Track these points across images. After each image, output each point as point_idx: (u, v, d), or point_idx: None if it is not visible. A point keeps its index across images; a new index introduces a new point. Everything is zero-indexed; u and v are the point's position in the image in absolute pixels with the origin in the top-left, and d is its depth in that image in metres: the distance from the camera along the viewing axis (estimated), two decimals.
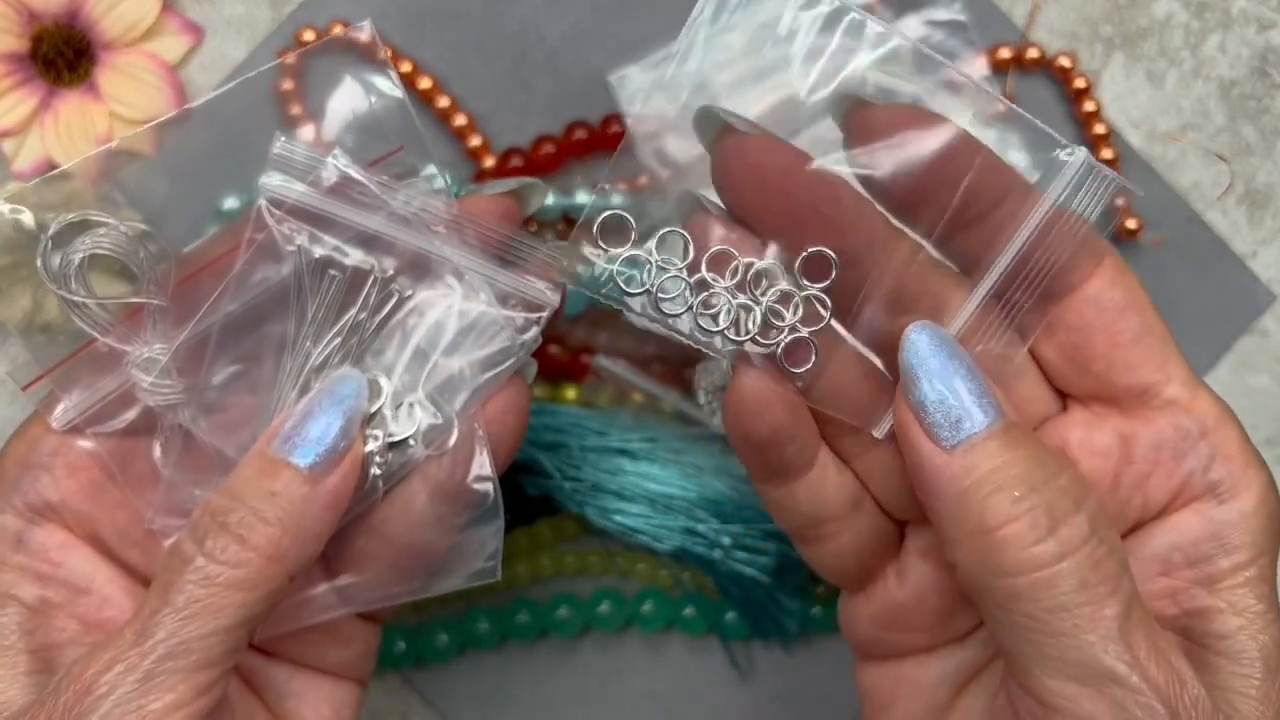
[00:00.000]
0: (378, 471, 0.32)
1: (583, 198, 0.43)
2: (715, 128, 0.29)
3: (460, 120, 0.43)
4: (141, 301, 0.31)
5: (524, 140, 0.43)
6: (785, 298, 0.29)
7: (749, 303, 0.29)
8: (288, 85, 0.42)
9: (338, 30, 0.43)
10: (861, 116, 0.30)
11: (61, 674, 0.28)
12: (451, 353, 0.33)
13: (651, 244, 0.29)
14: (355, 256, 0.32)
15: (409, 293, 0.33)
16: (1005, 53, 0.43)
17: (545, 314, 0.33)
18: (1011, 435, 0.27)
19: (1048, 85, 0.44)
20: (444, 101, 0.43)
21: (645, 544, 0.43)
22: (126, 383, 0.32)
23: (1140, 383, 0.30)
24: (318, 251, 0.32)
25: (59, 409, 0.32)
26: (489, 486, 0.32)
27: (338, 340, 0.32)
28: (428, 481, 0.32)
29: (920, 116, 0.29)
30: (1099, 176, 0.30)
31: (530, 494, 0.43)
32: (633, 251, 0.29)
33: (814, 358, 0.29)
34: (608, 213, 0.29)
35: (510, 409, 0.33)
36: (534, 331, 0.33)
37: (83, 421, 0.32)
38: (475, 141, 0.43)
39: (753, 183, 0.29)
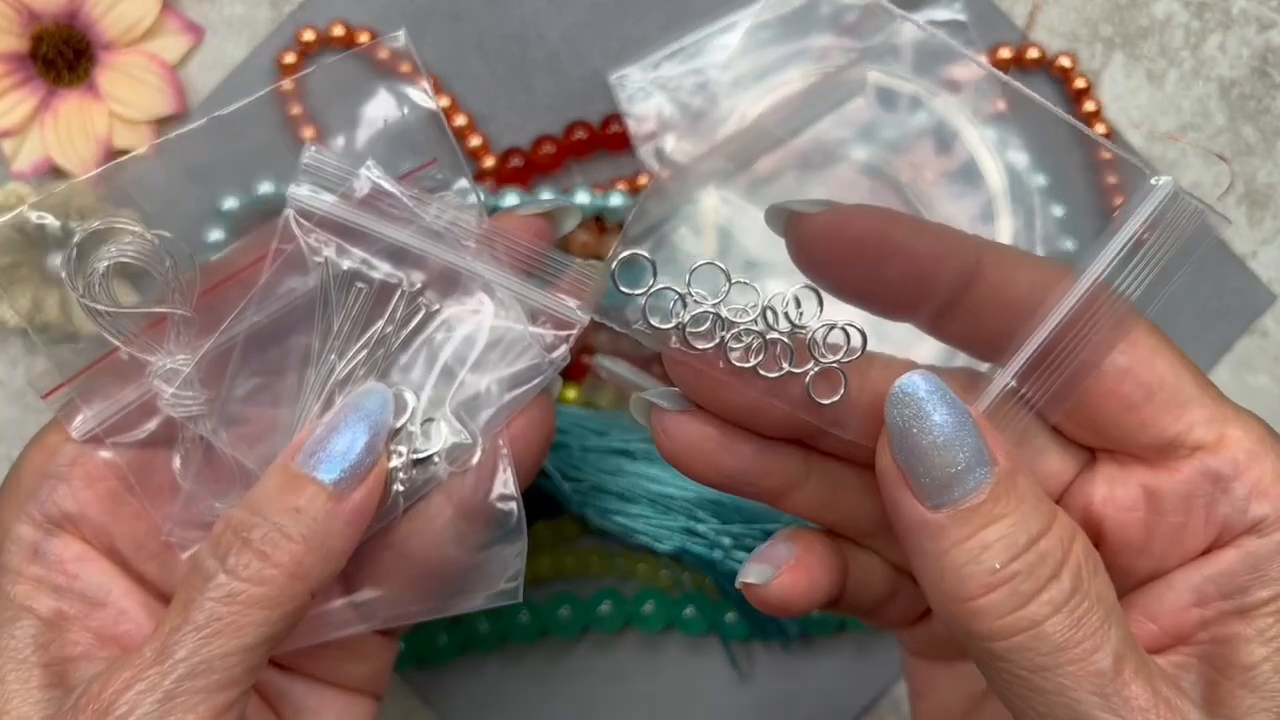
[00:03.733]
0: (401, 488, 0.31)
1: (583, 197, 0.43)
2: (783, 219, 0.28)
3: (460, 120, 0.43)
4: (166, 311, 0.31)
5: (524, 140, 0.43)
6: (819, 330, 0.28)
7: (778, 336, 0.27)
8: (288, 87, 0.42)
9: (307, 35, 0.43)
10: (796, 232, 0.28)
11: (79, 692, 0.27)
12: (478, 369, 0.32)
13: (688, 277, 0.28)
14: (383, 270, 0.32)
15: (436, 307, 0.32)
16: (1005, 53, 0.43)
17: (574, 332, 0.32)
18: (997, 498, 0.26)
19: (1048, 85, 0.44)
20: (444, 101, 0.43)
21: (645, 544, 0.43)
22: (147, 393, 0.31)
23: (1160, 439, 0.28)
24: (345, 264, 0.32)
25: (78, 419, 0.31)
26: (513, 506, 0.32)
27: (363, 354, 0.32)
28: (450, 499, 0.32)
29: (857, 216, 0.27)
30: (1181, 206, 0.27)
31: (530, 494, 0.43)
32: (666, 286, 0.28)
33: (843, 389, 0.28)
34: (626, 254, 0.28)
35: (535, 427, 0.33)
36: (563, 350, 0.32)
37: (102, 431, 0.31)
38: (475, 141, 0.43)
39: (828, 263, 0.28)
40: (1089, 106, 0.44)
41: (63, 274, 0.30)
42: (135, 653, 0.27)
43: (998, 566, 0.25)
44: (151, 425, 0.32)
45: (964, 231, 0.28)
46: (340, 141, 0.35)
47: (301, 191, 0.32)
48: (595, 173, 0.44)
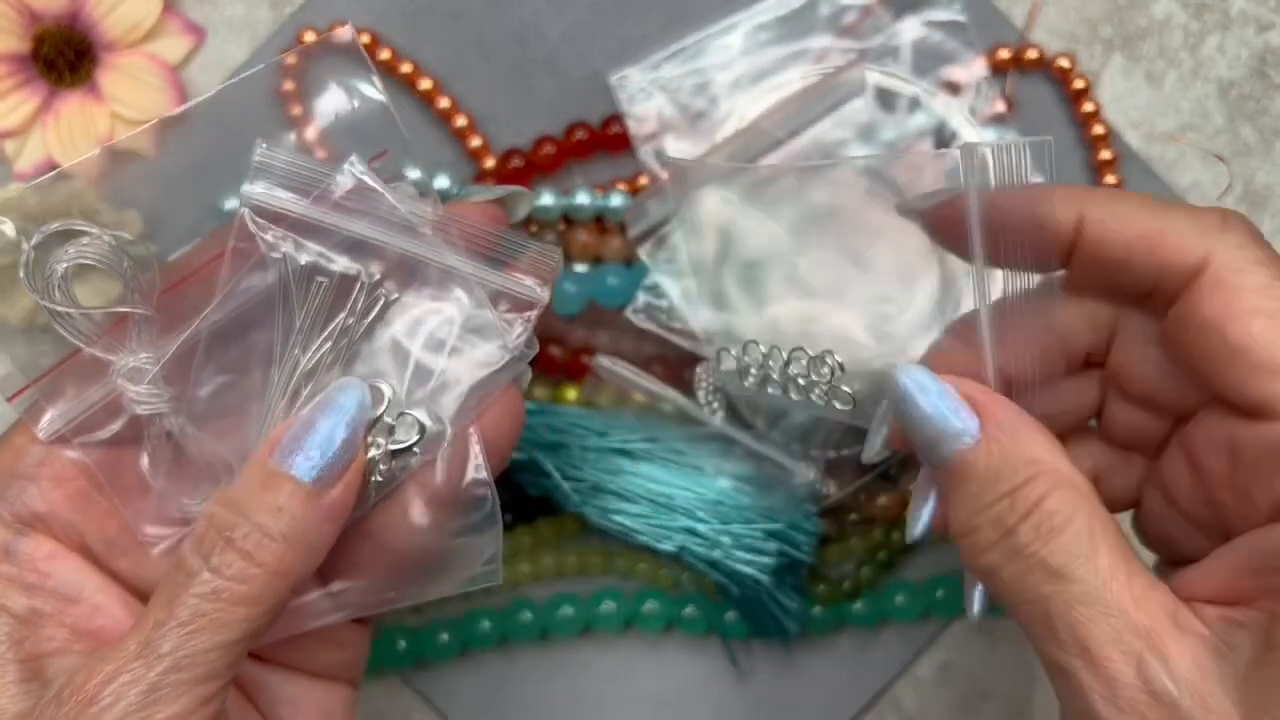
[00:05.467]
0: (379, 479, 0.32)
1: (583, 198, 0.43)
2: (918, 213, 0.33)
3: (461, 121, 0.43)
4: (126, 311, 0.31)
5: (524, 140, 0.44)
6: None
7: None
8: (289, 86, 0.42)
9: (308, 36, 0.43)
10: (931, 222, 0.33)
11: (60, 684, 0.28)
12: (444, 356, 0.32)
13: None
14: (341, 262, 0.32)
15: (395, 296, 0.32)
16: (1005, 53, 0.44)
17: (535, 312, 0.33)
18: (968, 463, 0.30)
19: (1047, 86, 0.44)
20: (445, 102, 0.43)
21: (645, 544, 0.43)
22: (113, 392, 0.32)
23: (1247, 398, 0.29)
24: (303, 259, 0.32)
25: (45, 419, 0.32)
26: (486, 491, 0.32)
27: (327, 345, 0.32)
28: (423, 488, 0.32)
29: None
30: (1008, 150, 0.31)
31: (531, 494, 0.43)
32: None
33: (853, 402, 0.36)
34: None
35: (506, 416, 0.33)
36: (526, 330, 0.33)
37: (69, 431, 0.32)
38: (475, 142, 0.43)
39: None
40: (1088, 107, 0.44)
41: (20, 275, 0.30)
42: (117, 646, 0.28)
43: (964, 517, 0.29)
44: (117, 425, 0.32)
45: (1070, 188, 0.32)
46: (291, 137, 0.35)
47: (256, 189, 0.32)
48: (595, 173, 0.44)
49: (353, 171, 0.32)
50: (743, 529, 0.42)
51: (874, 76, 0.42)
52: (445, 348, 0.33)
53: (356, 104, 0.34)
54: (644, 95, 0.43)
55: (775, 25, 0.43)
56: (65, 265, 0.31)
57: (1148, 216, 0.30)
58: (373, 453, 0.31)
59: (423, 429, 0.32)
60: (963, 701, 0.45)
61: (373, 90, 0.34)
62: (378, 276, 0.32)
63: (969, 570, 0.31)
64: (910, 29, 0.43)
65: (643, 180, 0.43)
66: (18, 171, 0.43)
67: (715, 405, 0.42)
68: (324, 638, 0.34)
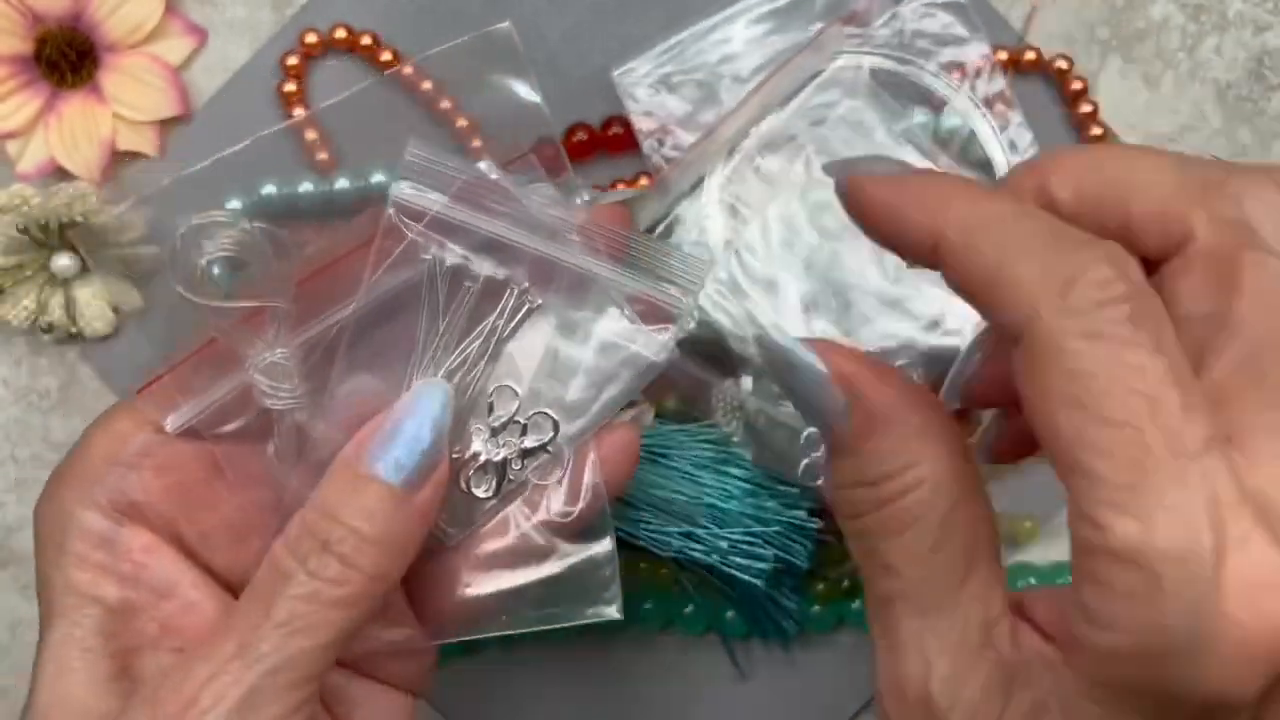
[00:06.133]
0: (511, 480, 0.32)
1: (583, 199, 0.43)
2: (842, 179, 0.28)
3: (461, 122, 0.43)
4: (266, 305, 0.31)
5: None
6: None
7: None
8: (290, 87, 0.42)
9: (310, 38, 0.43)
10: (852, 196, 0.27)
11: (155, 685, 0.28)
12: (580, 364, 0.33)
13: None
14: (486, 265, 0.32)
15: (538, 302, 0.33)
16: (1003, 55, 0.44)
17: (676, 326, 0.32)
18: (854, 437, 0.26)
19: (1045, 87, 0.44)
20: (445, 104, 0.43)
21: (644, 548, 0.43)
22: (243, 385, 0.32)
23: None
24: (449, 260, 0.32)
25: (175, 412, 0.31)
26: (599, 519, 0.32)
27: (475, 345, 0.32)
28: (535, 508, 0.33)
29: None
30: None
31: None
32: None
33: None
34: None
35: (622, 452, 0.33)
36: (668, 341, 0.32)
37: (199, 424, 0.32)
38: (477, 143, 0.43)
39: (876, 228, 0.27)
40: (1085, 108, 0.44)
41: (167, 269, 0.30)
42: (211, 646, 0.28)
43: (834, 485, 0.26)
44: (246, 418, 0.32)
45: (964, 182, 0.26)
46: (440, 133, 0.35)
47: (404, 188, 0.32)
48: (596, 174, 0.44)
49: (487, 174, 0.32)
50: (742, 534, 0.42)
51: (875, 61, 0.43)
52: (578, 361, 0.33)
53: (512, 102, 0.34)
54: (646, 89, 0.43)
55: (774, 16, 0.43)
56: (209, 258, 0.30)
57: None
58: (504, 452, 0.32)
59: (556, 426, 0.32)
60: None
61: (528, 91, 0.35)
62: (526, 285, 0.32)
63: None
64: (910, 10, 0.43)
65: (643, 181, 0.43)
66: (20, 172, 0.43)
67: (734, 424, 0.43)
68: (400, 647, 0.34)
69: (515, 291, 0.32)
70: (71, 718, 0.29)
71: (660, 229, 0.42)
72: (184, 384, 0.31)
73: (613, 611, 0.33)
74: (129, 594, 0.30)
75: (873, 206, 0.26)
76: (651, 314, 0.32)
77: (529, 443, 0.32)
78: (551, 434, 0.32)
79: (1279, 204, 0.23)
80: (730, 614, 0.43)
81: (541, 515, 0.32)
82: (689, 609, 0.44)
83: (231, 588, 0.32)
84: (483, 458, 0.32)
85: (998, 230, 0.24)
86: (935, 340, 0.41)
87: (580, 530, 0.33)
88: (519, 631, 0.33)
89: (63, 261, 0.42)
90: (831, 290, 0.42)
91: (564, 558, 0.33)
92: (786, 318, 0.41)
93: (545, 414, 0.32)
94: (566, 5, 0.44)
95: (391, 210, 0.32)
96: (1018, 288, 0.23)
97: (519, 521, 0.33)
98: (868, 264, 0.42)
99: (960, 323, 0.41)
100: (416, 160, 0.32)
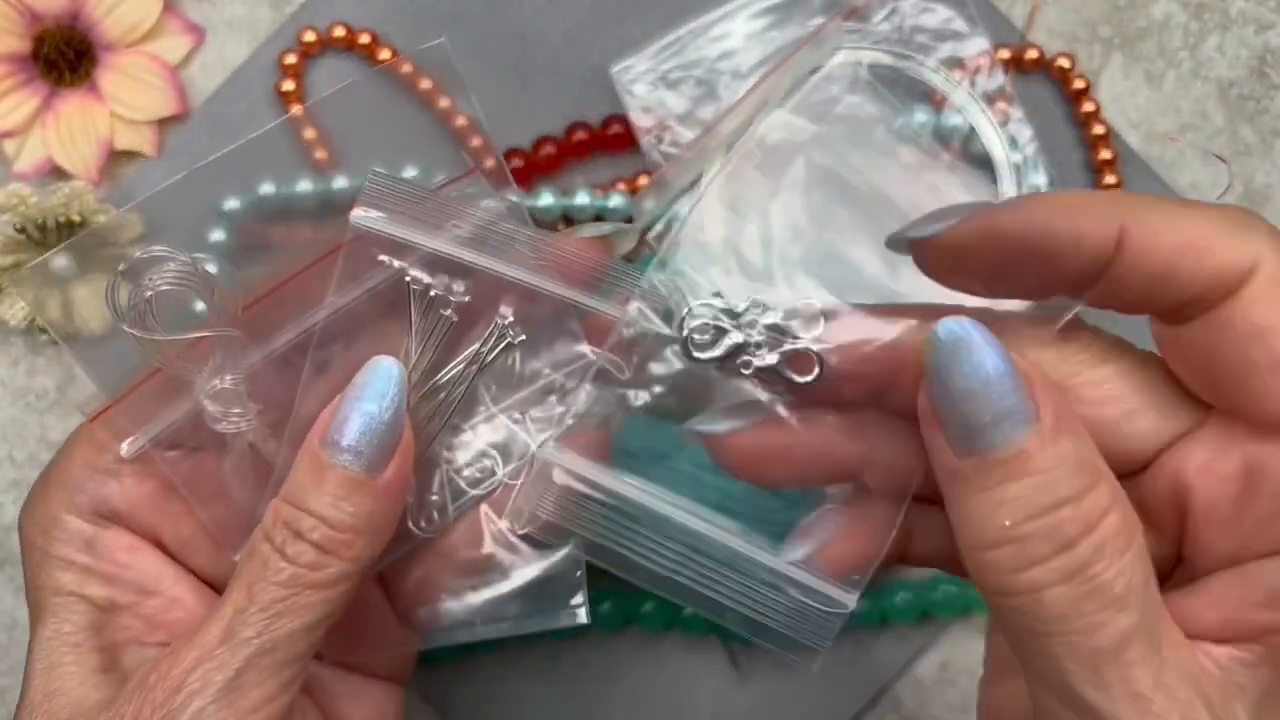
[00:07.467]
0: (499, 474, 0.33)
1: (583, 198, 0.43)
2: (905, 246, 0.30)
3: (460, 121, 0.43)
4: (213, 335, 0.31)
5: (524, 141, 0.44)
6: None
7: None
8: (289, 85, 0.42)
9: (308, 36, 0.43)
10: (926, 257, 0.29)
11: (144, 671, 0.28)
12: (548, 385, 0.34)
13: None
14: (445, 284, 0.33)
15: (522, 337, 0.33)
16: (1004, 53, 0.44)
17: (617, 333, 0.33)
18: (1029, 455, 0.25)
19: (1047, 86, 0.44)
20: (444, 102, 0.43)
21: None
22: (196, 407, 0.32)
23: (1277, 413, 0.25)
24: (415, 285, 0.32)
25: (128, 439, 0.32)
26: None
27: (458, 369, 0.33)
28: (500, 511, 0.33)
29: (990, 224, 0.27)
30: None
31: None
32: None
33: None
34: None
35: (593, 454, 0.33)
36: (629, 362, 0.33)
37: (152, 448, 0.32)
38: (476, 142, 0.43)
39: (968, 275, 0.28)
40: (1087, 107, 0.44)
41: (106, 303, 0.30)
42: (198, 633, 0.28)
43: (1007, 523, 0.25)
44: (200, 439, 0.33)
45: (1106, 196, 0.27)
46: (358, 153, 0.35)
47: (366, 215, 0.32)
48: (595, 173, 0.44)
49: (452, 190, 0.33)
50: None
51: (874, 56, 0.42)
52: (548, 378, 0.34)
53: (445, 123, 0.35)
54: (646, 86, 0.43)
55: (773, 11, 0.43)
56: (151, 293, 0.31)
57: (1189, 221, 0.26)
58: (487, 461, 0.33)
59: (524, 441, 0.33)
60: (963, 701, 0.45)
61: (466, 105, 0.35)
62: (510, 318, 0.33)
63: (987, 574, 0.26)
64: (910, 7, 0.43)
65: (642, 180, 0.43)
66: (17, 171, 0.43)
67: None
68: (380, 639, 0.34)
69: (496, 325, 0.33)
70: (65, 709, 0.29)
71: (659, 226, 0.42)
72: (134, 413, 0.32)
73: (581, 616, 0.33)
74: (113, 592, 0.32)
75: (1009, 230, 0.26)
76: (604, 329, 0.33)
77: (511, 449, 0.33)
78: (538, 439, 0.33)
79: None
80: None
81: (507, 521, 0.33)
82: (689, 610, 0.43)
83: (214, 585, 0.33)
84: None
85: (1171, 205, 0.26)
86: None
87: (540, 538, 0.33)
88: (488, 639, 0.34)
89: (60, 262, 0.42)
90: (831, 288, 0.42)
91: (529, 563, 0.33)
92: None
93: (506, 423, 0.33)
94: (566, 5, 0.43)
95: (353, 236, 0.32)
96: (1231, 239, 0.25)
97: (487, 526, 0.33)
98: (867, 261, 0.41)
99: None
100: (378, 184, 0.32)
